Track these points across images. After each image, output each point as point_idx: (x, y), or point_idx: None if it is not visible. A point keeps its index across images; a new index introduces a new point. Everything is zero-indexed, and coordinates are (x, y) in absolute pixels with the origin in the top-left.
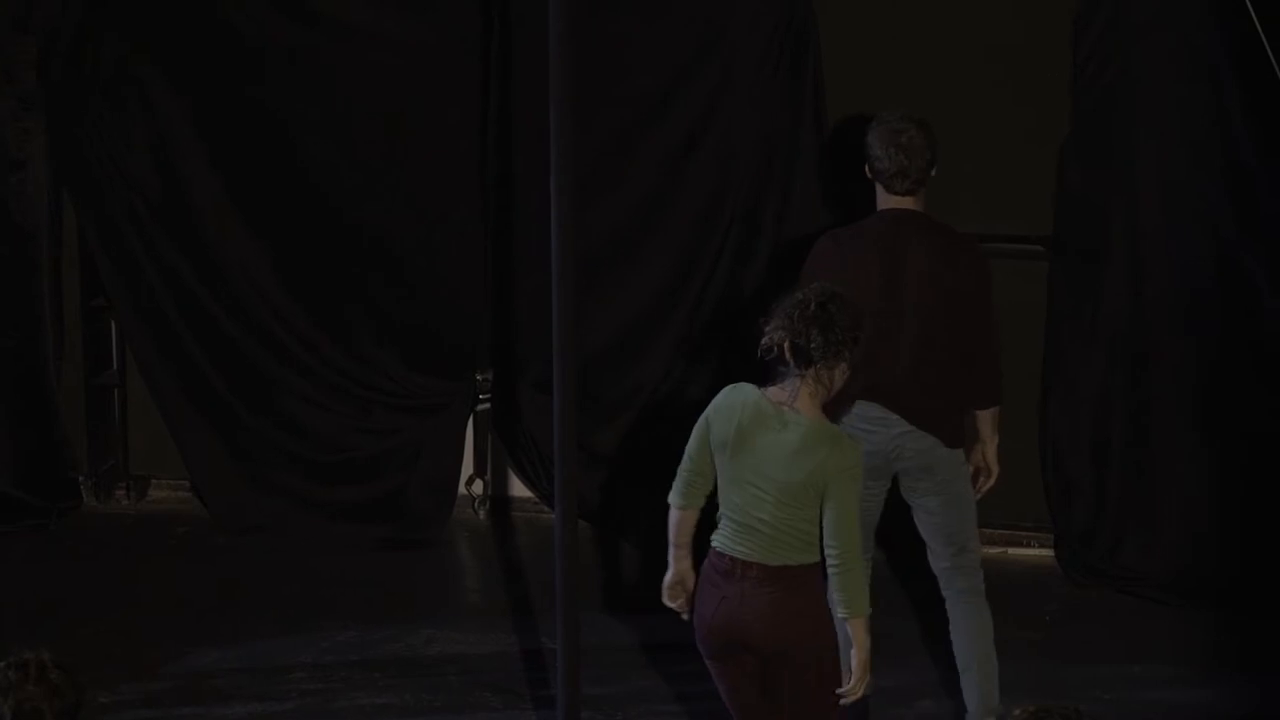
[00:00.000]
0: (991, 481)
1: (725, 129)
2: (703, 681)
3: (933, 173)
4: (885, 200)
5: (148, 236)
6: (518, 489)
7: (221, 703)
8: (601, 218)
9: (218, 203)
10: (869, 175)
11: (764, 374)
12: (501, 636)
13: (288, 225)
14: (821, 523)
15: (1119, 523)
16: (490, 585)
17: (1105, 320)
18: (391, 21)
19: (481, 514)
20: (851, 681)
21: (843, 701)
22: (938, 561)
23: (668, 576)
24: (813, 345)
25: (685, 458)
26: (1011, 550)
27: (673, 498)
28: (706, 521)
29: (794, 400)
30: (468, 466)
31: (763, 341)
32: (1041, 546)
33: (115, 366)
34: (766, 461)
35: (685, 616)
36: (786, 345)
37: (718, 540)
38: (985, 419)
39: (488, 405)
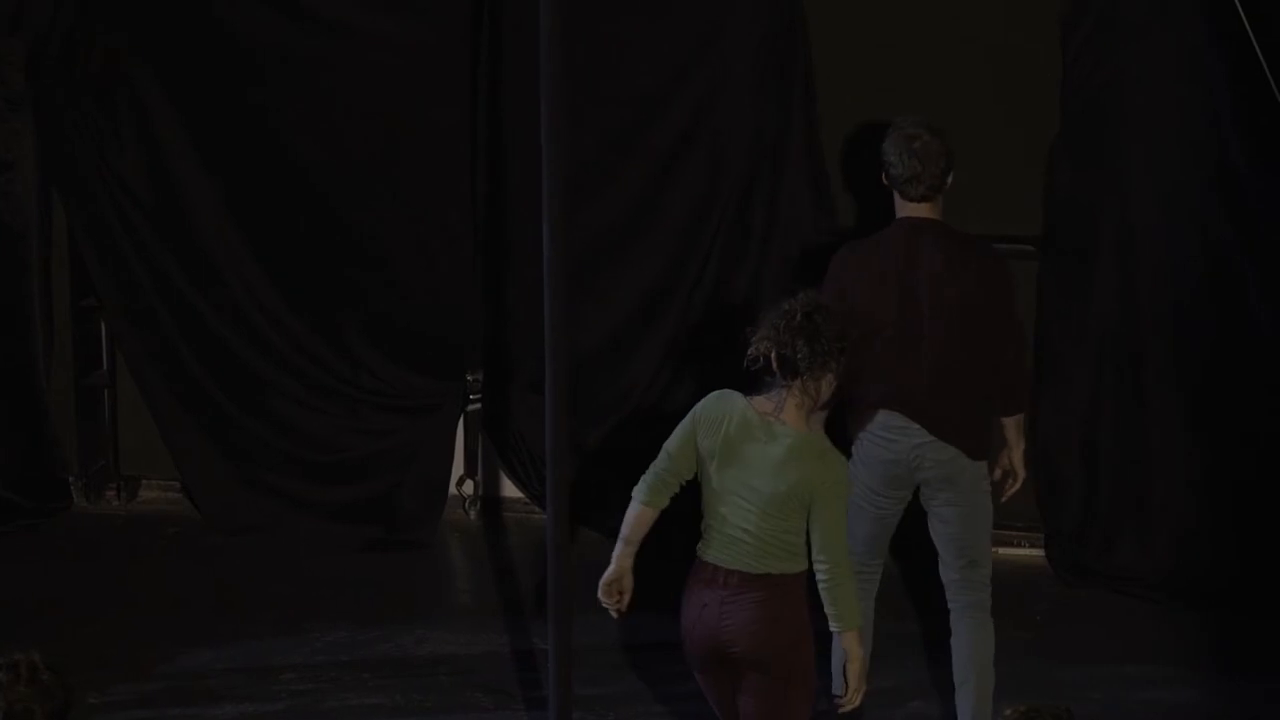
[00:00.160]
0: (1017, 486)
1: (716, 132)
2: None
3: (949, 180)
4: (902, 208)
5: (138, 237)
6: (509, 490)
7: (212, 703)
8: (593, 218)
9: (208, 203)
10: (885, 182)
11: (752, 378)
12: (493, 637)
13: (279, 225)
14: (809, 536)
15: (1110, 522)
16: (481, 586)
17: (1096, 320)
18: (384, 21)
19: (472, 514)
20: (848, 692)
21: (841, 710)
22: (947, 572)
23: (607, 572)
24: (799, 356)
25: (664, 455)
26: (1003, 550)
27: (638, 491)
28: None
29: (780, 411)
30: (458, 467)
31: (749, 352)
32: (1032, 546)
33: (105, 367)
34: (752, 473)
35: (615, 616)
36: (773, 356)
37: (701, 550)
38: (1010, 425)
39: (478, 406)
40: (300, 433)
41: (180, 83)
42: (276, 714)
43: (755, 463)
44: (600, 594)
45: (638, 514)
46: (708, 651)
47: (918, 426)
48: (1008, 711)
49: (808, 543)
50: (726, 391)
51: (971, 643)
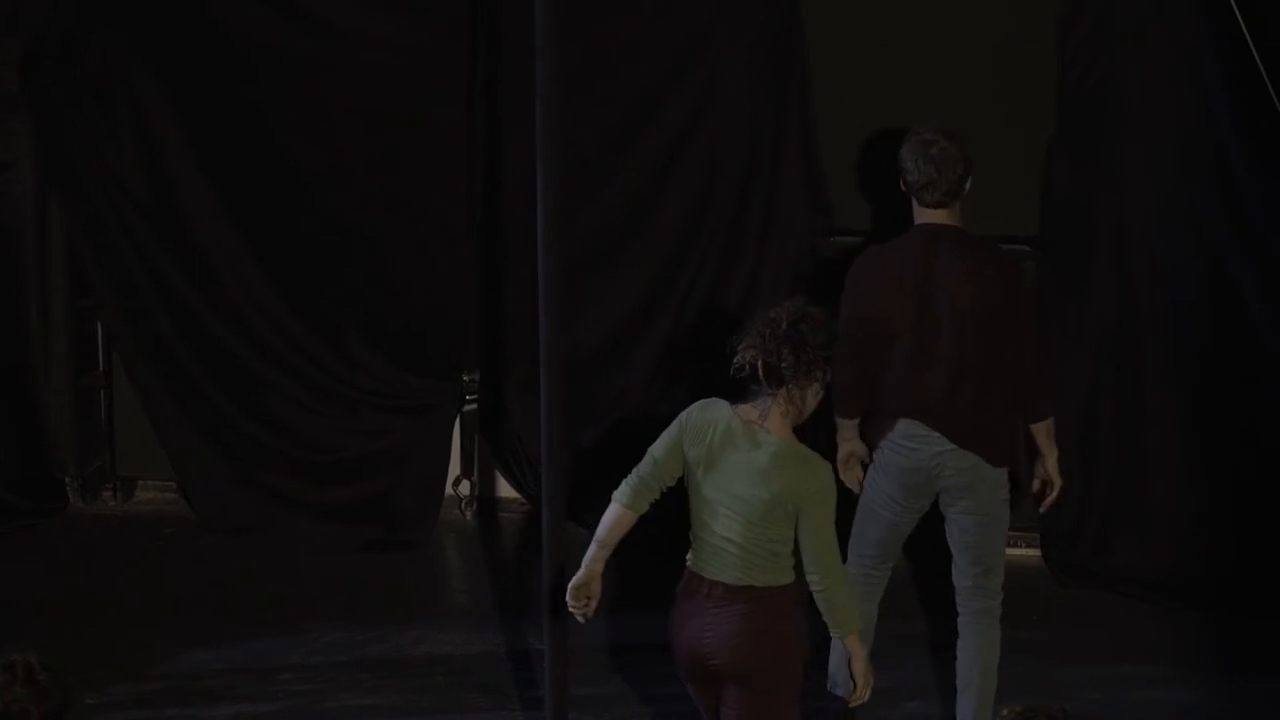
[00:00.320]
0: (1055, 494)
1: (714, 131)
2: None
3: (967, 185)
4: (919, 214)
5: (135, 236)
6: (504, 490)
7: (209, 703)
8: (590, 218)
9: (205, 203)
10: (903, 189)
11: (740, 384)
12: (489, 637)
13: (275, 225)
14: (798, 546)
15: (1106, 522)
16: (477, 586)
17: (1092, 320)
18: (382, 21)
19: (469, 515)
20: (856, 690)
21: (850, 705)
22: (961, 578)
23: (577, 576)
24: (784, 365)
25: (648, 459)
26: None
27: (619, 494)
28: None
29: (765, 419)
30: (454, 467)
31: (735, 360)
32: (1029, 546)
33: (102, 367)
34: (736, 481)
35: (581, 620)
36: (759, 364)
37: (689, 559)
38: (1040, 432)
39: (474, 406)
40: (297, 433)
41: (178, 82)
42: (273, 714)
43: (739, 471)
44: (568, 597)
45: (616, 517)
46: (691, 663)
47: (938, 435)
48: (1004, 712)
49: (795, 553)
50: (713, 399)
51: (978, 647)
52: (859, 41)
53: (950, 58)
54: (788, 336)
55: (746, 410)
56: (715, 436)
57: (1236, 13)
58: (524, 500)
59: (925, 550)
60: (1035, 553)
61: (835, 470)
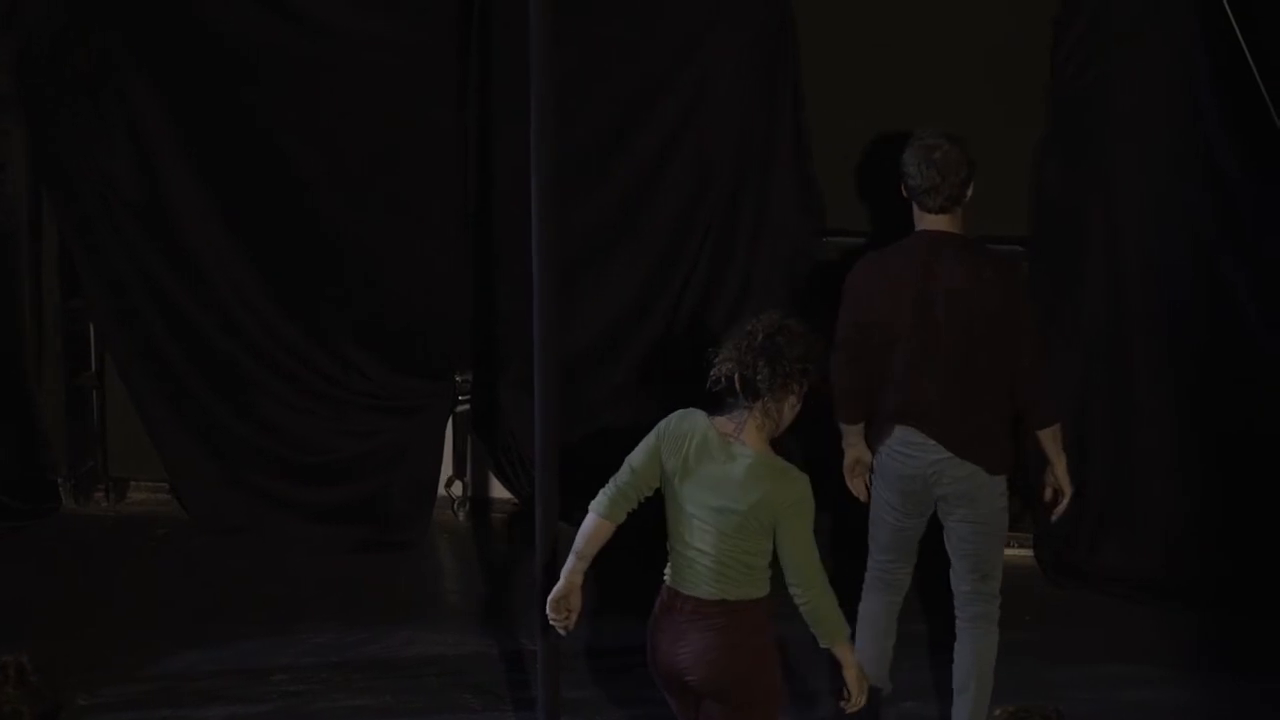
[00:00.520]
0: (1066, 502)
1: (705, 132)
2: None
3: (969, 191)
4: (920, 219)
5: (127, 238)
6: (497, 490)
7: (201, 704)
8: (583, 219)
9: (198, 204)
10: (904, 194)
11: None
12: (481, 638)
13: (268, 226)
14: (778, 560)
15: (1099, 523)
16: (470, 587)
17: (1084, 321)
18: (375, 21)
19: (461, 515)
20: (852, 696)
21: (847, 711)
22: (959, 584)
23: (556, 588)
24: (759, 378)
25: (626, 468)
26: None
27: (595, 504)
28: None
29: (740, 432)
30: (446, 468)
31: (711, 373)
32: (1021, 547)
33: (94, 368)
34: (711, 493)
35: (563, 633)
36: (735, 377)
37: (666, 574)
38: (1046, 439)
39: (467, 407)
40: (289, 433)
41: (171, 82)
42: (265, 715)
43: (714, 483)
44: (549, 610)
45: (594, 527)
46: (669, 678)
47: (934, 442)
48: (998, 712)
49: (772, 565)
50: (691, 409)
51: (975, 651)
52: (852, 42)
53: (943, 59)
54: (764, 349)
55: (723, 422)
56: (691, 447)
57: (1230, 15)
58: (516, 501)
59: (923, 553)
60: (1029, 553)
61: (841, 477)
